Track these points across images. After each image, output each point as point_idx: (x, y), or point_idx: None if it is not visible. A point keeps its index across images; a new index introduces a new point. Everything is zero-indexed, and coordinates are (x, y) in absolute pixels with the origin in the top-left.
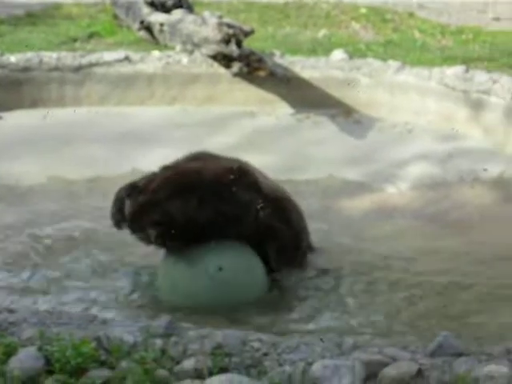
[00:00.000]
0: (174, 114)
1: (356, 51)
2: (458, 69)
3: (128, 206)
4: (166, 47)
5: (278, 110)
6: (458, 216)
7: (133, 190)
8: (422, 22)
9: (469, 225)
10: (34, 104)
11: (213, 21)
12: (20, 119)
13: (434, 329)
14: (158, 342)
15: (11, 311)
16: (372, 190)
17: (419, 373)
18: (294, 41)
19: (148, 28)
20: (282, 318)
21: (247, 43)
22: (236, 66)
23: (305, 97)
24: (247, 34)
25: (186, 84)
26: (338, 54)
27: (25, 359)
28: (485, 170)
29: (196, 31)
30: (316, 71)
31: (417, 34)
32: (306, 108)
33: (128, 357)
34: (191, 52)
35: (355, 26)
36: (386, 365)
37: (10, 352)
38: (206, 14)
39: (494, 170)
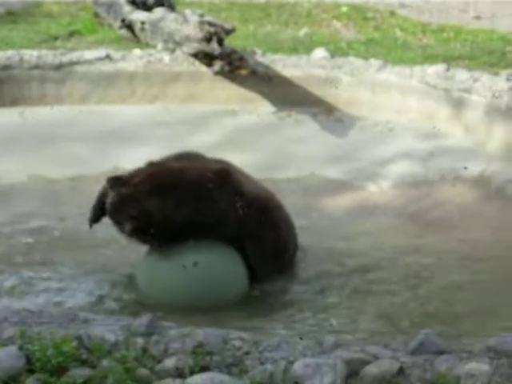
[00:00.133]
0: (155, 112)
1: (337, 50)
2: (439, 67)
3: (110, 197)
4: (147, 45)
5: (259, 109)
6: (439, 214)
7: (116, 181)
8: (404, 21)
9: (450, 223)
10: (14, 102)
11: (194, 19)
12: (0, 118)
13: (415, 327)
14: (140, 340)
15: None
16: (353, 188)
17: (401, 371)
18: (275, 39)
19: (129, 26)
20: (264, 318)
21: (228, 42)
22: (217, 65)
23: (286, 95)
24: (228, 32)
25: (167, 82)
26: (319, 53)
27: (5, 358)
28: (465, 168)
29: (177, 29)
30: (297, 70)
31: (398, 33)
32: (288, 106)
33: (109, 356)
34: (172, 50)
35: (336, 24)
36: (367, 363)
37: None
38: (188, 12)
39: (474, 168)
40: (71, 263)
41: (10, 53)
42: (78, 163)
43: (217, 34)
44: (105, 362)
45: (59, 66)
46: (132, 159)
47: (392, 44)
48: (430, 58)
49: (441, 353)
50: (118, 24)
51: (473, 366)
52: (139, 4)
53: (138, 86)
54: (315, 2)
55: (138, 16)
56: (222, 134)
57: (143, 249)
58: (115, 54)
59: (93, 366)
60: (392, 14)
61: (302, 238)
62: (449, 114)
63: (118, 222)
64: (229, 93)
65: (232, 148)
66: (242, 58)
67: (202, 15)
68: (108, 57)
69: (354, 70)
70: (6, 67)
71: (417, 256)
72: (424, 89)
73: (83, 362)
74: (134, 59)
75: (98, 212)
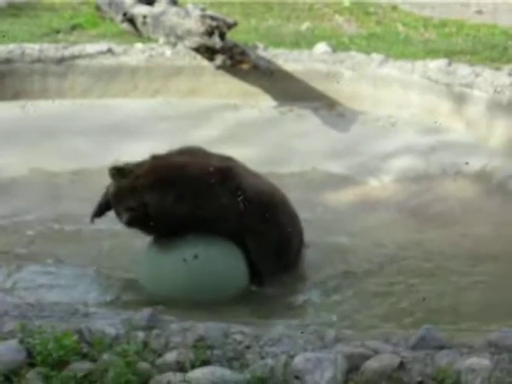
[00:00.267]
0: (157, 106)
1: (339, 44)
2: (441, 62)
3: (112, 186)
4: (149, 39)
5: (261, 103)
6: (441, 209)
7: (119, 171)
8: (405, 15)
9: (451, 218)
10: (16, 96)
11: (196, 13)
12: (2, 111)
13: (416, 321)
14: (140, 334)
15: None
16: (355, 182)
17: (401, 365)
18: (277, 33)
19: (131, 20)
20: (265, 312)
21: (230, 36)
22: (219, 59)
23: (288, 90)
24: (230, 26)
25: (169, 76)
26: (321, 47)
27: (6, 352)
28: (467, 163)
29: (179, 23)
30: (299, 64)
31: (400, 27)
32: (289, 101)
33: (110, 349)
34: (174, 44)
35: (338, 19)
36: (368, 358)
37: None
38: (189, 6)
39: (476, 163)
40: (72, 256)
41: (11, 46)
42: (79, 157)
43: (218, 28)
44: (105, 356)
45: (61, 60)
46: (134, 153)
47: (394, 39)
48: (431, 53)
49: (441, 348)
50: (119, 18)
51: (473, 360)
52: None
53: (140, 80)
54: None
55: (139, 10)
56: (224, 129)
57: (145, 242)
58: (117, 48)
59: (93, 360)
60: (394, 8)
61: (305, 233)
62: (450, 109)
63: (117, 212)
64: (230, 87)
65: (234, 142)
66: (243, 53)
67: (203, 9)
68: (110, 51)
69: (355, 64)
70: (8, 61)
71: (418, 250)
72: (426, 83)
73: (84, 356)
74: (135, 53)
75: (103, 206)
